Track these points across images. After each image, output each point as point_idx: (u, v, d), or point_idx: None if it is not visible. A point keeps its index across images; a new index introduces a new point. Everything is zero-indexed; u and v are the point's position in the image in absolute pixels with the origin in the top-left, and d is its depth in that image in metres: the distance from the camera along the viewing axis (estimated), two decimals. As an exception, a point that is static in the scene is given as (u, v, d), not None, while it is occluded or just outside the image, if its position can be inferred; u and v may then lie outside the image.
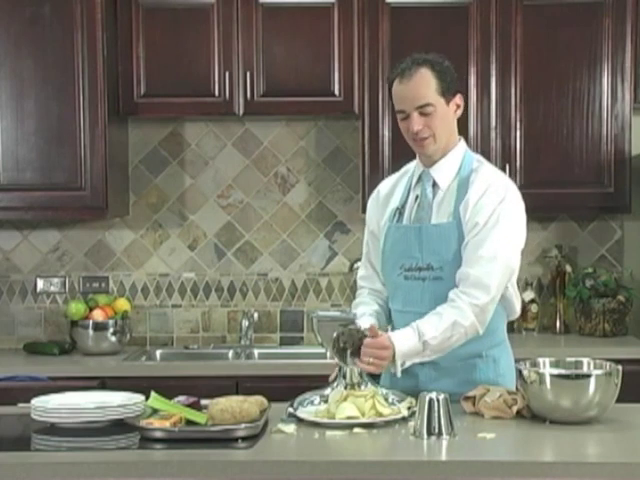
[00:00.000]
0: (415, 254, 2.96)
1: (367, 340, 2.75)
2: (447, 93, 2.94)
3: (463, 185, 2.95)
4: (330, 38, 4.44)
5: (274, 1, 4.45)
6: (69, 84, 4.33)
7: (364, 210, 4.39)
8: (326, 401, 2.76)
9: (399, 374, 2.81)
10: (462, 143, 3.05)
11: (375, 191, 3.19)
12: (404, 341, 2.79)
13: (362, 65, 4.41)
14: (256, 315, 4.70)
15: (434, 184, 2.99)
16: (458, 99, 2.99)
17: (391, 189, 3.12)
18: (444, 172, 2.99)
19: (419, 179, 3.03)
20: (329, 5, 4.44)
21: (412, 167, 3.10)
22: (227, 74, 4.43)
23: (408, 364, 2.83)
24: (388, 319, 3.12)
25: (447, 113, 2.95)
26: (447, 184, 2.98)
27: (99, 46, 4.31)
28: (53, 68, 4.33)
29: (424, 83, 2.91)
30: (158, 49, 4.45)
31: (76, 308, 4.44)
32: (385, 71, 4.37)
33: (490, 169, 3.02)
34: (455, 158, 3.00)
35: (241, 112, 4.47)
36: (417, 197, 3.02)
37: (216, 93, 4.45)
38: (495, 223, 2.87)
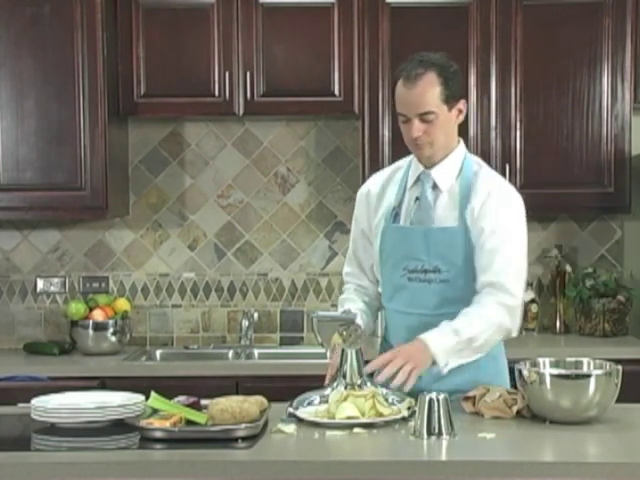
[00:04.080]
0: (421, 256, 2.94)
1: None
2: (451, 100, 2.89)
3: (465, 189, 2.94)
4: (330, 38, 4.44)
5: (274, 1, 4.45)
6: (69, 84, 4.33)
7: (364, 210, 4.42)
8: (326, 401, 2.75)
9: (445, 371, 2.81)
10: (462, 145, 3.02)
11: (364, 189, 3.13)
12: (439, 339, 2.78)
13: (362, 65, 4.40)
14: (256, 315, 4.70)
15: (434, 186, 2.97)
16: (461, 105, 2.95)
17: (382, 188, 3.06)
18: (445, 174, 2.96)
19: (417, 180, 3.00)
20: (329, 5, 4.44)
21: (404, 164, 3.07)
22: (227, 74, 4.43)
23: (454, 364, 2.81)
24: (375, 315, 3.14)
25: (449, 120, 2.92)
26: (448, 186, 2.96)
27: (99, 46, 4.31)
28: (53, 68, 4.33)
29: (428, 90, 2.86)
30: (158, 49, 4.45)
31: (76, 308, 4.44)
32: (385, 71, 4.38)
33: (491, 172, 3.02)
34: (455, 160, 2.98)
35: (241, 112, 4.47)
36: (417, 198, 2.99)
37: (216, 93, 4.45)
38: (503, 228, 2.88)
